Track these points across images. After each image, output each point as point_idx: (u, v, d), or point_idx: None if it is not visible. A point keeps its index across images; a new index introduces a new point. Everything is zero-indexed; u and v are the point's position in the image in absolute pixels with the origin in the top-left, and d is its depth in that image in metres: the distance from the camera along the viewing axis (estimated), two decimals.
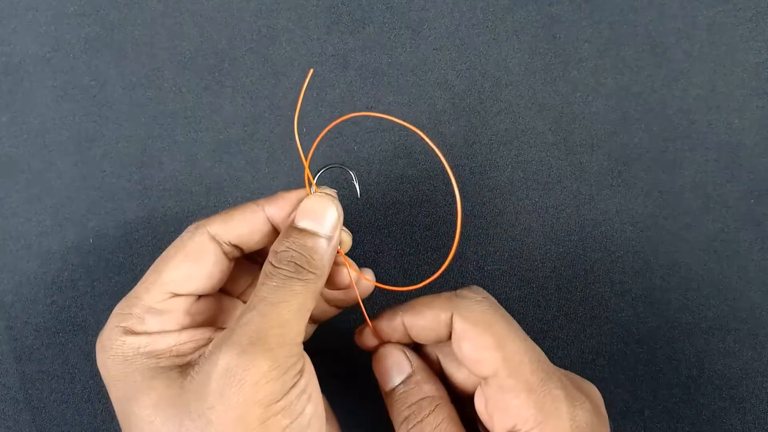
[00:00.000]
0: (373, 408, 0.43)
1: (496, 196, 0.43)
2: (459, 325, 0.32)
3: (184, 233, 0.33)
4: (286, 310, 0.29)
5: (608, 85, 0.43)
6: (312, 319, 0.36)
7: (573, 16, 0.43)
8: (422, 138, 0.32)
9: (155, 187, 0.42)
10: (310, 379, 0.30)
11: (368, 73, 0.43)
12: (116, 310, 0.31)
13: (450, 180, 0.43)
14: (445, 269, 0.43)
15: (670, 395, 0.43)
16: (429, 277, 0.43)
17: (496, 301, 0.34)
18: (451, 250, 0.33)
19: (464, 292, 0.34)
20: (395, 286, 0.43)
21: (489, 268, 0.43)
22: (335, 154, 0.42)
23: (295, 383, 0.29)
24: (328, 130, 0.43)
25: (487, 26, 0.43)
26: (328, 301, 0.36)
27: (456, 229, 0.33)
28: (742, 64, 0.43)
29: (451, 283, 0.43)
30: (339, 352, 0.42)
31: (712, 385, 0.43)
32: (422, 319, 0.33)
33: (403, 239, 0.43)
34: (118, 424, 0.31)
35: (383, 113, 0.42)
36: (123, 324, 0.31)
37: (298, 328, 0.30)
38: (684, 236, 0.43)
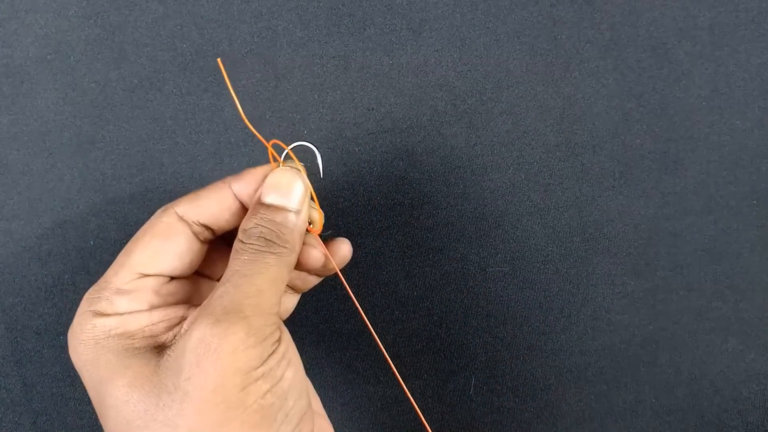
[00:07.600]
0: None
1: (497, 198, 0.43)
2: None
3: (153, 216, 0.32)
4: (260, 280, 0.29)
5: (610, 86, 0.43)
6: (294, 289, 0.36)
7: (574, 17, 0.43)
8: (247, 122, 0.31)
9: (156, 189, 0.42)
10: (289, 347, 0.29)
11: (369, 75, 0.43)
12: (86, 295, 0.31)
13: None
14: (447, 271, 0.43)
15: (673, 396, 0.43)
16: (431, 279, 0.43)
17: None
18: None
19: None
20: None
21: (491, 269, 0.43)
22: (336, 156, 0.42)
23: (274, 350, 0.28)
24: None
25: (488, 27, 0.43)
26: (308, 271, 0.35)
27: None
28: (744, 65, 0.43)
29: (452, 285, 0.43)
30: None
31: (714, 386, 0.43)
32: None
33: (405, 241, 0.43)
34: None
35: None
36: (92, 308, 0.30)
37: (273, 299, 0.29)
38: (686, 237, 0.43)
